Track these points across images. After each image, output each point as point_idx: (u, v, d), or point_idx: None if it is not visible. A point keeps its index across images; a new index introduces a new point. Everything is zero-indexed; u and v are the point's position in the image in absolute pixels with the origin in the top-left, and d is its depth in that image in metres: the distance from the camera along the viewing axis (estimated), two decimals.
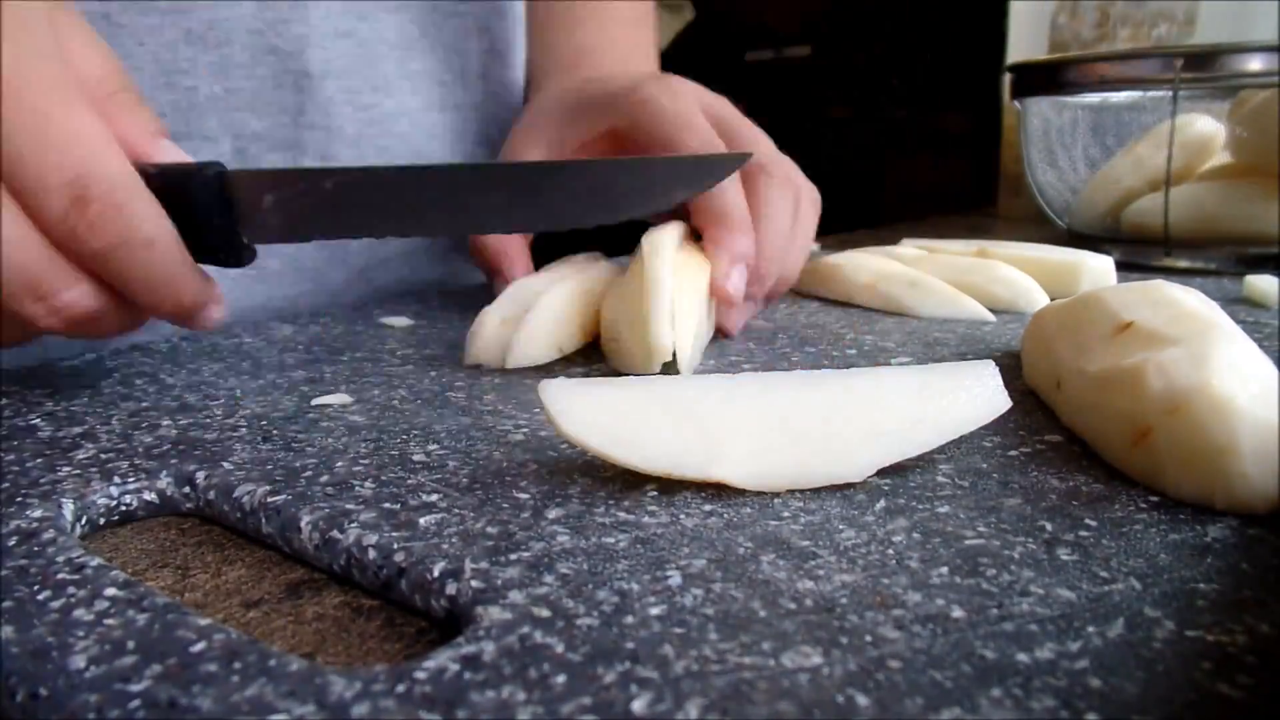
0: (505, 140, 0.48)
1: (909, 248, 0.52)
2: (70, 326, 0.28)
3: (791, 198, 0.41)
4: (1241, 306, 0.46)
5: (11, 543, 0.20)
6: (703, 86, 0.44)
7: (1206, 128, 0.59)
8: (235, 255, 0.30)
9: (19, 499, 0.22)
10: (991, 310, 0.43)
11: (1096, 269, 0.47)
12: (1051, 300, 0.46)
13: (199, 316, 0.30)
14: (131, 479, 0.24)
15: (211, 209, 0.29)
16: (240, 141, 0.47)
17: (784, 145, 0.45)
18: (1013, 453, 0.25)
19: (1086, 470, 0.24)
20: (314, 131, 0.49)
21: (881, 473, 0.23)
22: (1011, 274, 0.45)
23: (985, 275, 0.45)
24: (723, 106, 0.43)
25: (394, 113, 0.51)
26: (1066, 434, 0.26)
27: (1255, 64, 0.56)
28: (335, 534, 0.20)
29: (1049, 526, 0.20)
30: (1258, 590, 0.17)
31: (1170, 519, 0.21)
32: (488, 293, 0.41)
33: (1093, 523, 0.20)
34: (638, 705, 0.14)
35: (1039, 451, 0.25)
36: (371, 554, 0.19)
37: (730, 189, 0.38)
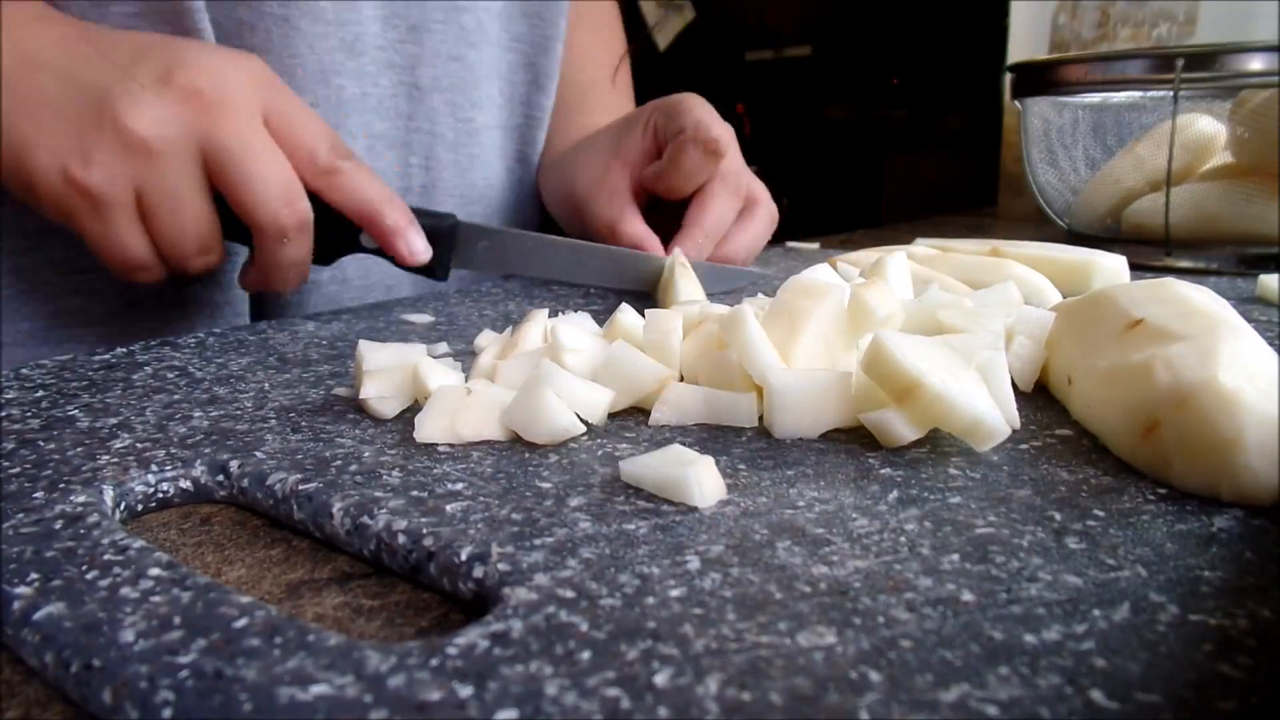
0: (566, 157, 0.62)
1: (921, 247, 0.53)
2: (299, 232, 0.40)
3: (738, 202, 0.53)
4: (1255, 305, 0.46)
5: (57, 526, 0.21)
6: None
7: (1207, 128, 0.59)
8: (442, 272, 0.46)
9: (61, 485, 0.23)
10: None
11: (1109, 268, 0.47)
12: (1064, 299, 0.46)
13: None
14: (168, 467, 0.24)
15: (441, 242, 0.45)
16: (369, 140, 0.56)
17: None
18: (1023, 446, 0.25)
19: (1095, 464, 0.24)
20: (420, 135, 0.58)
21: (894, 465, 0.24)
22: (1024, 273, 0.46)
23: (997, 274, 0.46)
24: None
25: (483, 126, 0.62)
26: (1076, 429, 0.27)
27: (1256, 64, 0.56)
28: (365, 520, 0.21)
29: (1058, 516, 0.21)
30: (1260, 578, 0.18)
31: (1177, 510, 0.21)
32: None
33: (1101, 513, 0.21)
34: (660, 679, 0.15)
35: (1049, 445, 0.25)
36: (401, 539, 0.20)
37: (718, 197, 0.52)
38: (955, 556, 0.19)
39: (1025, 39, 0.97)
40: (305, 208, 0.40)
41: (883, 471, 0.24)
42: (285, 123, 0.40)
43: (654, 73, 0.67)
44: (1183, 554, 0.19)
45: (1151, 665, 0.15)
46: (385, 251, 0.43)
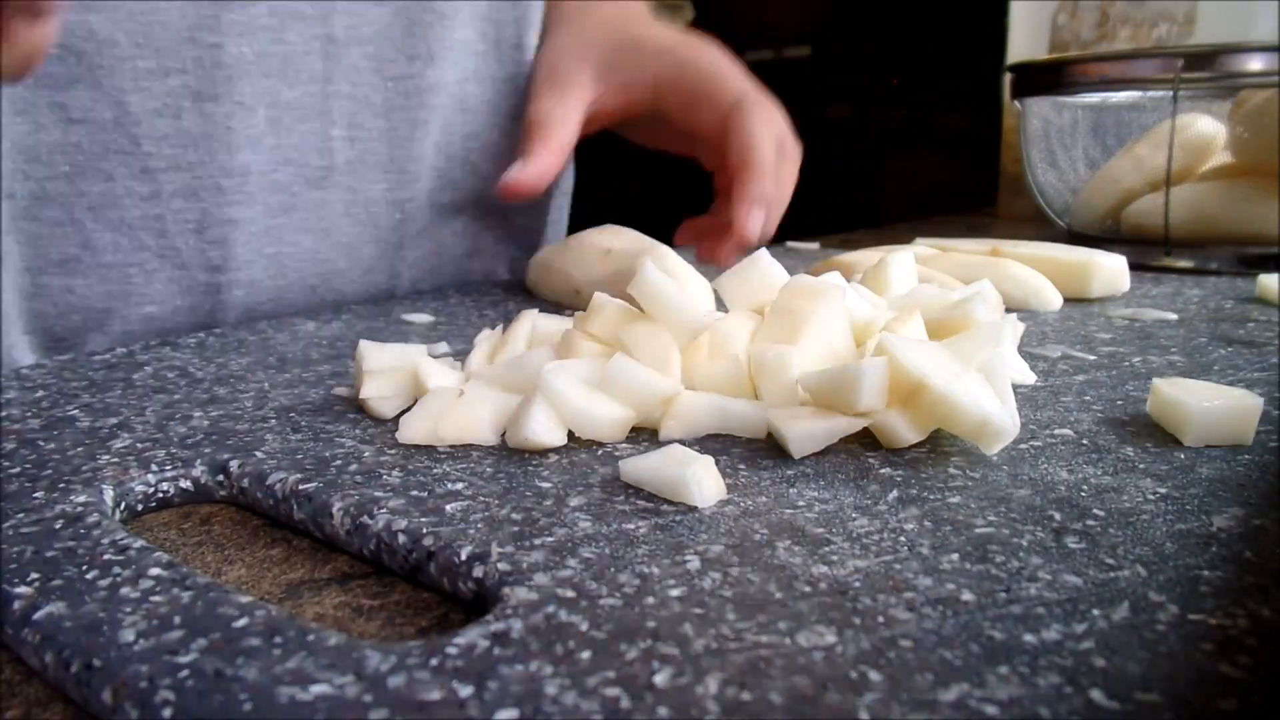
0: (530, 85, 0.51)
1: (922, 247, 0.53)
2: None
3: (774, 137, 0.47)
4: (1255, 305, 0.46)
5: (58, 526, 0.21)
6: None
7: (1207, 128, 0.60)
8: None
9: (62, 485, 0.23)
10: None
11: (1109, 268, 0.47)
12: (1065, 299, 0.46)
13: None
14: (168, 467, 0.24)
15: None
16: (274, 110, 0.45)
17: None
18: (1023, 446, 0.25)
19: (1095, 464, 0.24)
20: (341, 100, 0.48)
21: (894, 465, 0.24)
22: (1024, 273, 0.46)
23: (997, 274, 0.46)
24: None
25: (433, 84, 0.50)
26: (1076, 429, 0.27)
27: (1255, 64, 0.56)
28: (365, 519, 0.21)
29: (1057, 516, 0.21)
30: (1260, 577, 0.18)
31: (1177, 510, 0.21)
32: None
33: (1100, 513, 0.21)
34: (659, 679, 0.15)
35: (1049, 445, 0.25)
36: (401, 538, 0.20)
37: (764, 136, 0.45)
38: (955, 556, 0.19)
39: (1025, 39, 0.97)
40: None
41: (883, 471, 0.24)
42: None
43: None
44: (1182, 554, 0.19)
45: (1151, 665, 0.15)
46: None
